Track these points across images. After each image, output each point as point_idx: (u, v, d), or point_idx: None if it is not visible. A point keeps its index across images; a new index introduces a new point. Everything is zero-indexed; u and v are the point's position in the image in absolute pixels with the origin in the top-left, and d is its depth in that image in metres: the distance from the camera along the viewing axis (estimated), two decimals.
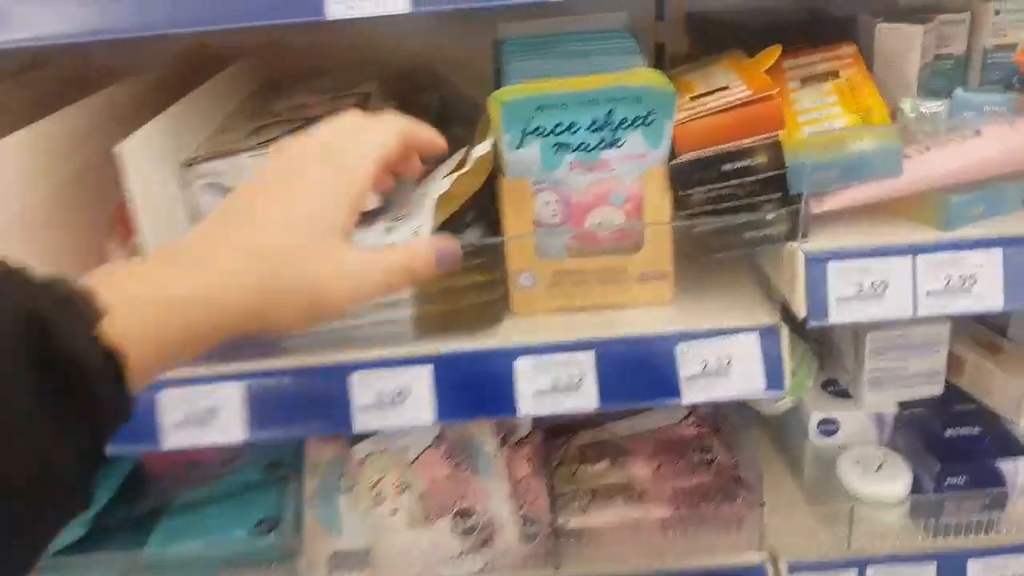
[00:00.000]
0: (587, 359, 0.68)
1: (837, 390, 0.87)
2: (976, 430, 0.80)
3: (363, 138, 0.44)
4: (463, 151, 0.76)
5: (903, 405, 0.84)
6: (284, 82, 1.00)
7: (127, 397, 0.32)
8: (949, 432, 0.80)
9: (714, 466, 0.84)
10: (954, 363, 0.84)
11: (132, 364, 0.32)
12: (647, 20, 1.03)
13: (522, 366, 0.68)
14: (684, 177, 0.67)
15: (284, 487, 0.88)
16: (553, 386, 0.68)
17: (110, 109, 0.84)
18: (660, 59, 1.05)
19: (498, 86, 0.77)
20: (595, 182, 0.68)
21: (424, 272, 0.46)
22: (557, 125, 0.66)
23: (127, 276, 0.35)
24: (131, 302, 0.33)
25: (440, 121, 1.03)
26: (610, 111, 0.65)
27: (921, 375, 0.83)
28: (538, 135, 0.66)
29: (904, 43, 0.74)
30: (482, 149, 0.68)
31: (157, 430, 0.69)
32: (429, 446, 0.83)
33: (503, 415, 0.69)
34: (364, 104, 0.83)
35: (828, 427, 0.84)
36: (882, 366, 0.82)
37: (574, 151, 0.67)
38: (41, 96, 0.88)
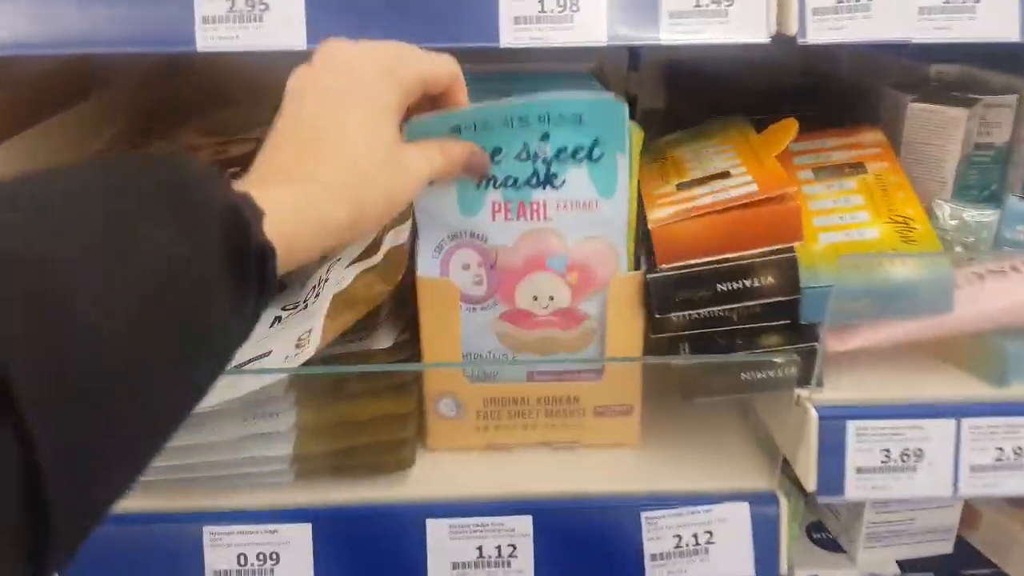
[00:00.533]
0: (522, 525, 0.51)
1: (825, 539, 0.71)
2: None
3: (416, 56, 0.44)
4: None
5: (904, 564, 0.69)
6: (180, 110, 0.81)
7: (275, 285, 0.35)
8: None
9: None
10: (967, 515, 0.69)
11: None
12: (618, 70, 0.88)
13: (435, 530, 0.51)
14: (665, 295, 0.50)
15: None
16: (477, 559, 0.51)
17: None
18: (632, 113, 0.90)
19: None
20: (527, 234, 0.51)
21: (448, 172, 0.47)
22: None
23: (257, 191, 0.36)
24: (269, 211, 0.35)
25: None
26: (544, 136, 0.49)
27: (929, 531, 0.68)
28: None
29: (944, 130, 0.59)
30: (397, 237, 0.50)
31: None
32: None
33: None
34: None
35: None
36: (884, 519, 0.67)
37: (499, 187, 0.50)
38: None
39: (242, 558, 0.50)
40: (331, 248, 0.41)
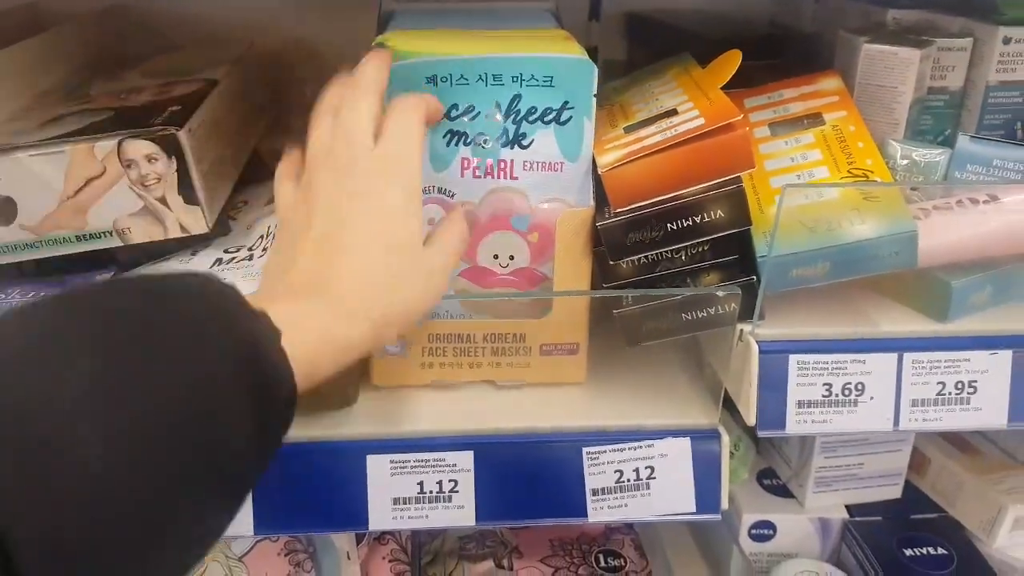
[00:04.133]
0: (464, 460, 0.50)
1: (775, 485, 0.72)
2: (939, 551, 0.66)
3: (403, 131, 0.42)
4: None
5: (853, 508, 0.70)
6: (128, 56, 0.79)
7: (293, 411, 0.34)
8: (908, 552, 0.66)
9: (622, 575, 0.67)
10: (916, 460, 0.70)
11: None
12: (579, 19, 0.86)
13: (376, 465, 0.50)
14: (618, 241, 0.49)
15: None
16: (418, 494, 0.50)
17: None
18: None
19: None
20: (493, 192, 0.50)
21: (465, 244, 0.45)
22: (453, 107, 0.48)
23: (273, 309, 0.35)
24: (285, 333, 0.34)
25: None
26: (516, 97, 0.48)
27: (878, 475, 0.69)
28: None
29: (896, 71, 0.58)
30: None
31: None
32: (263, 538, 0.64)
33: (348, 529, 0.52)
34: (206, 92, 0.63)
35: (763, 531, 0.69)
36: (833, 463, 0.67)
37: (468, 144, 0.49)
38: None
39: None
40: (351, 360, 0.38)
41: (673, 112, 0.54)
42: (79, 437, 0.24)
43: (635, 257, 0.51)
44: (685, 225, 0.49)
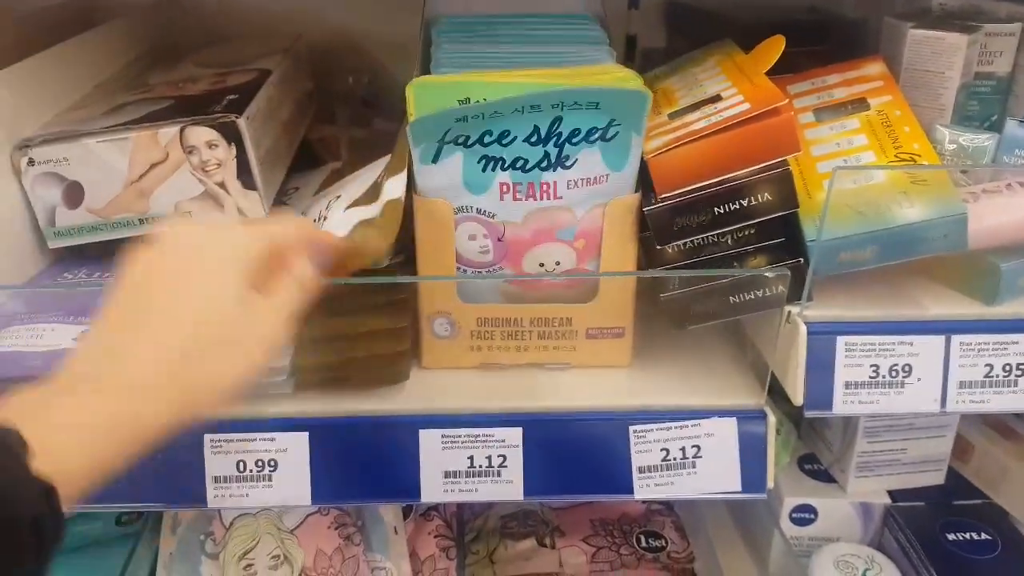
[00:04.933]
0: (512, 436, 0.52)
1: (817, 470, 0.72)
2: (983, 536, 0.66)
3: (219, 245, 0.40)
4: (382, 165, 0.59)
5: (895, 494, 0.70)
6: (181, 47, 0.81)
7: (63, 524, 0.33)
8: (951, 536, 0.66)
9: (663, 556, 0.68)
10: (960, 446, 0.70)
11: (64, 493, 0.32)
12: (618, 8, 0.87)
13: (428, 440, 0.52)
14: (665, 226, 0.50)
15: (136, 545, 0.71)
16: (468, 468, 0.52)
17: None
18: (631, 54, 0.89)
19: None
20: (536, 212, 0.51)
21: (315, 290, 0.44)
22: (485, 134, 0.49)
23: (46, 408, 0.34)
24: (56, 434, 0.33)
25: (366, 109, 0.86)
26: (556, 120, 0.48)
27: (921, 461, 0.69)
28: (459, 145, 0.49)
29: (943, 56, 0.58)
30: (395, 189, 0.51)
31: None
32: (314, 512, 0.66)
33: (401, 500, 0.54)
34: (260, 82, 0.65)
35: (804, 515, 0.70)
36: (876, 448, 0.68)
37: (507, 169, 0.50)
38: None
39: (241, 464, 0.52)
40: (159, 439, 0.37)
41: (717, 98, 0.55)
42: None
43: (681, 242, 0.52)
44: (732, 208, 0.50)
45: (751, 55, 0.58)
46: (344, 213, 0.56)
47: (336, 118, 0.85)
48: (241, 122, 0.55)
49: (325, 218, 0.59)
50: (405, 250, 0.56)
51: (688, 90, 0.58)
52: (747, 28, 0.76)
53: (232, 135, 0.55)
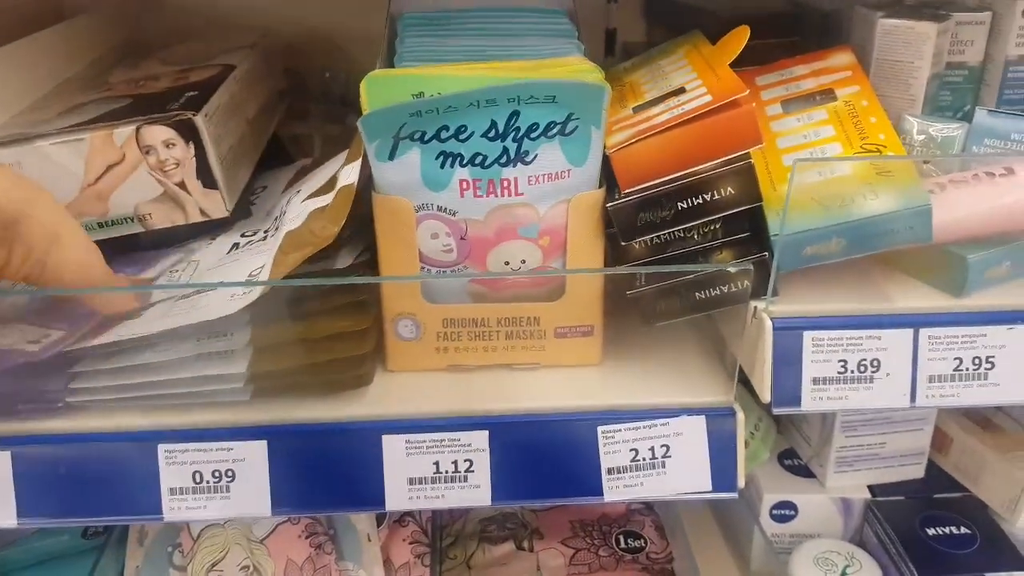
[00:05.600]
0: (479, 440, 0.51)
1: (796, 465, 0.71)
2: (962, 530, 0.65)
3: None
4: (342, 158, 0.58)
5: (876, 488, 0.69)
6: (149, 44, 0.80)
7: None
8: (931, 531, 0.65)
9: (642, 557, 0.67)
10: (938, 439, 0.69)
11: None
12: (598, 2, 0.86)
13: (392, 446, 0.51)
14: (628, 221, 0.49)
15: (100, 559, 0.69)
16: (434, 474, 0.51)
17: None
18: (611, 47, 0.88)
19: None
20: (497, 209, 0.50)
21: None
22: (441, 129, 0.48)
23: None
24: None
25: (343, 107, 0.85)
26: (514, 114, 0.47)
27: (899, 455, 0.68)
28: (416, 141, 0.48)
29: (913, 46, 0.57)
30: (348, 176, 0.50)
31: None
32: (284, 520, 0.65)
33: (365, 509, 0.52)
34: (222, 78, 0.64)
35: (784, 512, 0.69)
36: (854, 442, 0.67)
37: (465, 166, 0.49)
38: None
39: (197, 475, 0.51)
40: None
41: (681, 90, 0.54)
42: None
43: (646, 238, 0.51)
44: (695, 203, 0.49)
45: (717, 46, 0.58)
46: (301, 204, 0.55)
47: (310, 115, 0.84)
48: (198, 119, 0.54)
49: (284, 212, 0.58)
50: (368, 250, 0.55)
51: (655, 83, 0.57)
52: (726, 20, 0.75)
53: (189, 133, 0.54)
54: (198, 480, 0.51)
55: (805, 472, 0.71)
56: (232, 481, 0.51)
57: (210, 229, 0.61)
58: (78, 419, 0.51)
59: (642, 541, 0.69)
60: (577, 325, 0.54)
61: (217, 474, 0.51)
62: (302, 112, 0.83)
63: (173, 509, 0.51)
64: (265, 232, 0.59)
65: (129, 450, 0.51)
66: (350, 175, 0.51)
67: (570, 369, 0.55)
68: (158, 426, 0.51)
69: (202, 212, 0.57)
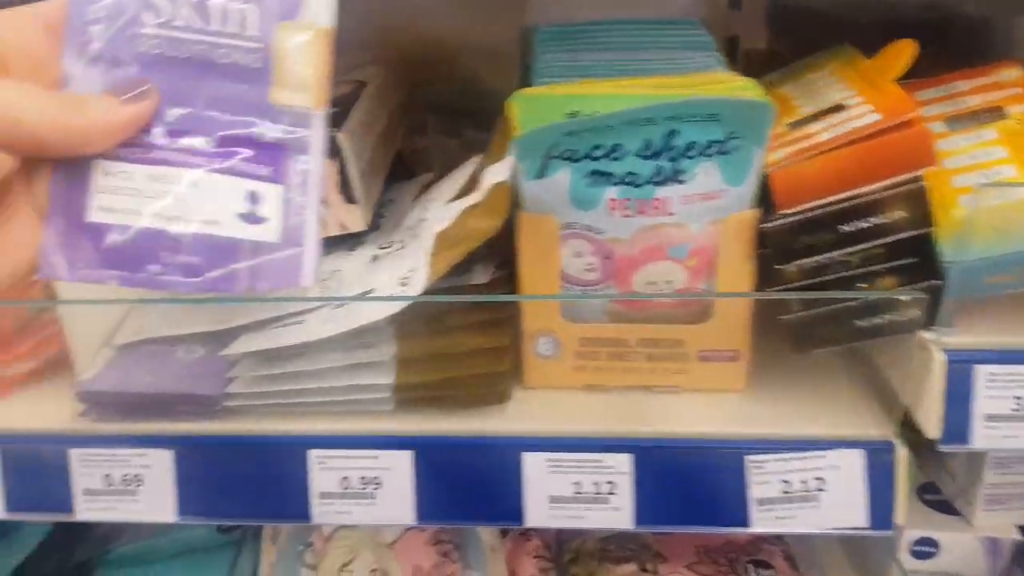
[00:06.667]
0: (622, 463, 0.50)
1: (938, 500, 0.67)
2: None
3: None
4: (474, 163, 0.58)
5: None
6: None
7: None
8: None
9: None
10: None
11: None
12: (718, 9, 0.84)
13: (533, 463, 0.51)
14: (783, 243, 0.48)
15: (238, 553, 0.72)
16: (574, 494, 0.51)
17: None
18: (732, 55, 0.86)
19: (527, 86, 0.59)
20: (647, 229, 0.49)
21: None
22: (594, 148, 0.47)
23: None
24: None
25: (456, 119, 0.85)
26: (671, 133, 0.46)
27: None
28: (566, 160, 0.48)
29: None
30: (498, 173, 0.50)
31: (69, 496, 0.53)
32: (412, 526, 0.66)
33: (505, 523, 0.52)
34: (357, 94, 0.65)
35: (925, 548, 0.65)
36: (1006, 480, 0.63)
37: (617, 184, 0.48)
38: None
39: (345, 481, 0.52)
40: None
41: (840, 107, 0.52)
42: None
43: (804, 261, 0.49)
44: (861, 227, 0.47)
45: (875, 61, 0.55)
46: (444, 208, 0.55)
47: (427, 128, 0.85)
48: (342, 137, 0.55)
49: (423, 220, 0.58)
50: (506, 265, 0.55)
51: (807, 98, 0.55)
52: (858, 28, 0.72)
53: (333, 150, 0.55)
54: (346, 486, 0.52)
55: (948, 509, 0.67)
56: (379, 488, 0.52)
57: (344, 241, 0.63)
58: (234, 422, 0.53)
59: (773, 571, 0.66)
60: (723, 349, 0.52)
61: (364, 481, 0.52)
62: (419, 125, 0.84)
63: (322, 513, 0.52)
64: (401, 242, 0.60)
65: (282, 453, 0.52)
66: (500, 173, 0.50)
67: (712, 394, 0.53)
68: (309, 431, 0.52)
69: (341, 226, 0.59)
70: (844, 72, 0.56)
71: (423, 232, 0.56)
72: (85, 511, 0.54)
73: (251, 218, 0.32)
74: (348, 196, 0.57)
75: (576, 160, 0.47)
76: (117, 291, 0.32)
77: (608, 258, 0.50)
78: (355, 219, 0.59)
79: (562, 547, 0.70)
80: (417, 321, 0.51)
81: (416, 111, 0.85)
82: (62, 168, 0.33)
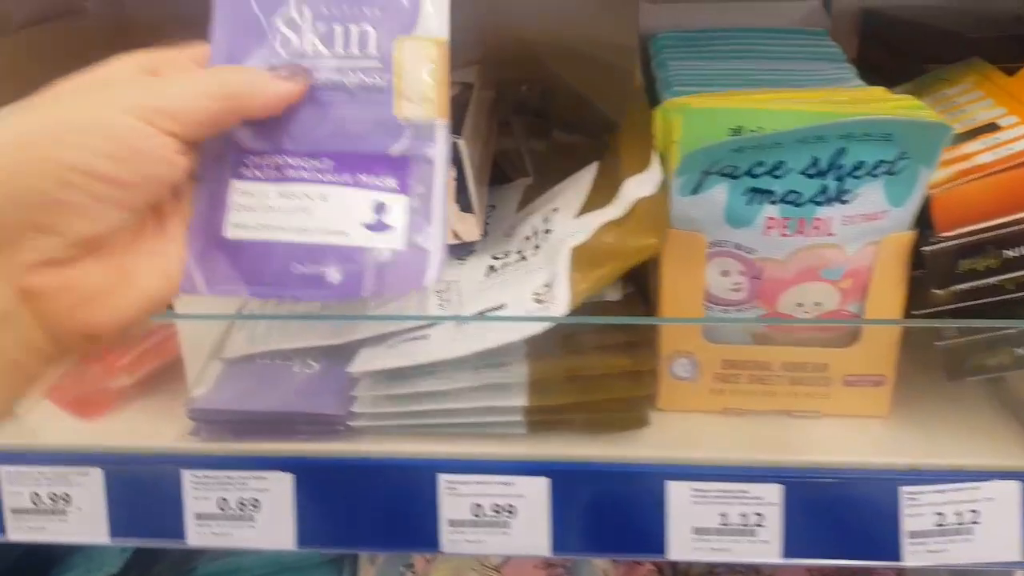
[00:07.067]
0: (772, 494, 0.48)
1: None
2: None
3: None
4: (592, 171, 0.56)
5: None
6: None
7: None
8: None
9: None
10: None
11: None
12: (809, 18, 0.82)
13: (677, 492, 0.49)
14: (944, 267, 0.46)
15: (337, 573, 0.70)
16: (720, 525, 0.49)
17: None
18: None
19: (651, 94, 0.57)
20: (802, 249, 0.47)
21: None
22: (756, 165, 0.45)
23: None
24: None
25: (539, 120, 0.83)
26: (839, 152, 0.44)
27: None
28: (725, 176, 0.46)
29: None
30: (642, 187, 0.47)
31: (180, 521, 0.51)
32: None
33: (646, 555, 0.50)
34: (466, 97, 0.63)
35: None
36: None
37: (776, 203, 0.46)
38: (78, 46, 0.70)
39: (477, 508, 0.50)
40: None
41: (994, 126, 0.50)
42: None
43: (962, 286, 0.47)
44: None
45: (1018, 77, 0.53)
46: (578, 220, 0.53)
47: (513, 130, 0.82)
48: (462, 143, 0.53)
49: (547, 231, 0.56)
50: (634, 281, 0.53)
51: (950, 115, 0.54)
52: (962, 40, 0.70)
53: (453, 156, 0.53)
54: (477, 513, 0.50)
55: None
56: (512, 517, 0.50)
57: (452, 251, 0.60)
58: (358, 443, 0.51)
59: None
60: (869, 374, 0.51)
61: (497, 508, 0.50)
62: (505, 127, 0.82)
63: (451, 541, 0.50)
64: (518, 252, 0.58)
65: (408, 477, 0.50)
66: (645, 187, 0.48)
67: (856, 420, 0.52)
68: (438, 454, 0.50)
69: (455, 235, 0.56)
70: (984, 87, 0.55)
71: (549, 245, 0.54)
72: (197, 537, 0.51)
73: (377, 227, 0.34)
74: (464, 204, 0.55)
75: (736, 177, 0.45)
76: (226, 304, 0.31)
77: (757, 278, 0.49)
78: (470, 228, 0.56)
79: (676, 570, 0.68)
80: (551, 340, 0.49)
81: (502, 112, 0.82)
82: (203, 187, 0.35)
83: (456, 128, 0.54)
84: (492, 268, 0.59)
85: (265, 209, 0.35)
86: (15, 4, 0.74)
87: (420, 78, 0.34)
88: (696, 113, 0.46)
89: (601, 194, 0.54)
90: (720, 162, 0.45)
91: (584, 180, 0.58)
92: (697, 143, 0.44)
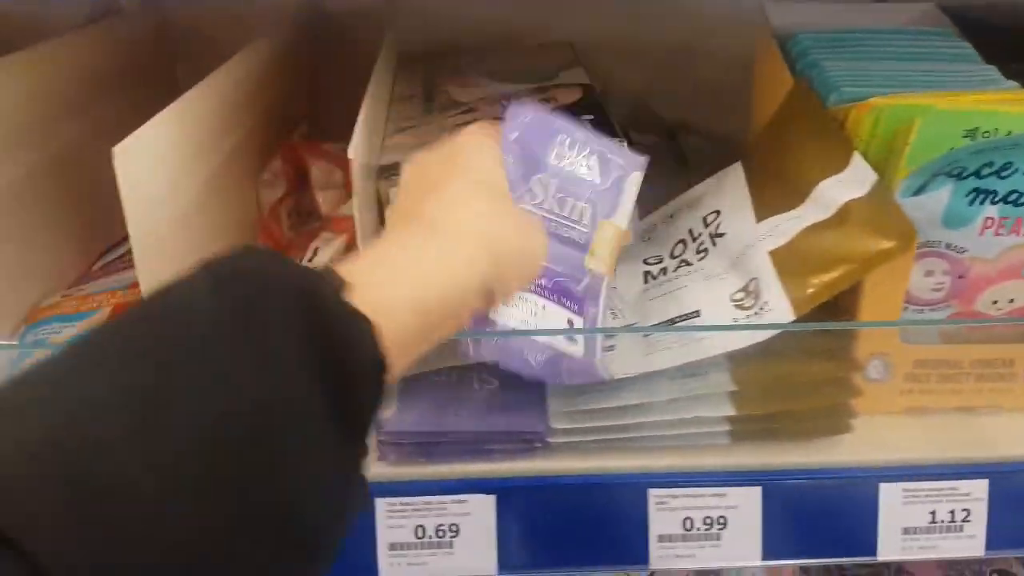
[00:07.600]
0: (978, 489, 0.49)
1: None
2: None
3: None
4: (736, 172, 0.55)
5: None
6: (426, 58, 0.77)
7: (385, 370, 0.29)
8: None
9: None
10: None
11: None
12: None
13: (889, 493, 0.49)
14: None
15: None
16: (929, 523, 0.49)
17: (253, 77, 0.61)
18: None
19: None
20: (1013, 248, 0.48)
21: None
22: (985, 165, 0.46)
23: (373, 264, 0.33)
24: (381, 290, 0.31)
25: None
26: None
27: None
28: (952, 177, 0.46)
29: None
30: (849, 187, 0.47)
31: (373, 551, 0.48)
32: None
33: (857, 556, 0.50)
34: (595, 101, 0.61)
35: None
36: None
37: (997, 203, 0.47)
38: (115, 49, 0.67)
39: (688, 522, 0.48)
40: (464, 319, 0.35)
41: None
42: (129, 469, 0.22)
43: None
44: None
45: None
46: (765, 223, 0.51)
47: None
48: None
49: (719, 235, 0.55)
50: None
51: None
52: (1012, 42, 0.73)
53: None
54: (688, 527, 0.48)
55: None
56: (723, 529, 0.49)
57: None
58: (558, 460, 0.49)
59: None
60: None
61: (708, 521, 0.49)
62: None
63: (660, 557, 0.49)
64: (677, 257, 0.57)
65: (615, 493, 0.48)
66: (855, 186, 0.48)
67: None
68: (646, 468, 0.49)
69: None
70: None
71: (725, 248, 0.53)
72: (389, 570, 0.48)
73: (568, 338, 0.44)
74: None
75: (962, 177, 0.46)
76: None
77: (962, 277, 0.49)
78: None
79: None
80: (754, 348, 0.48)
81: None
82: None
83: (612, 134, 0.52)
84: (650, 275, 0.57)
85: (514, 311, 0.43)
86: (57, 8, 0.69)
87: (603, 248, 0.45)
88: (934, 115, 0.45)
89: (775, 195, 0.53)
90: (953, 163, 0.45)
91: (734, 181, 0.58)
92: (932, 144, 0.44)
